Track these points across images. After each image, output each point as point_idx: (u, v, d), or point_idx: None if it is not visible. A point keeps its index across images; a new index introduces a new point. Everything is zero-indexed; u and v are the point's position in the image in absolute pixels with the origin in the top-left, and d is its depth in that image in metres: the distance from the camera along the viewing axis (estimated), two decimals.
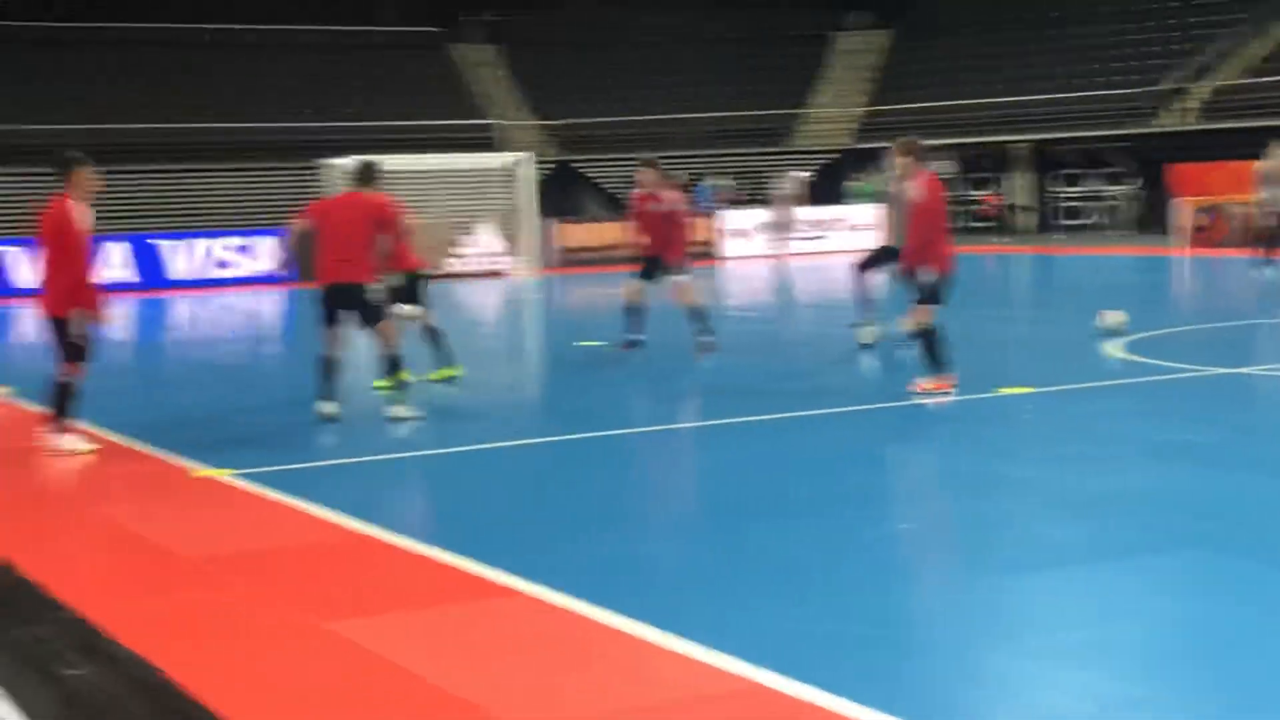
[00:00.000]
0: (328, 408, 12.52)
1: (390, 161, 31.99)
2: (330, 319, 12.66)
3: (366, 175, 12.98)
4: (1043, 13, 47.39)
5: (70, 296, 11.15)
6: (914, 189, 13.00)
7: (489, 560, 7.53)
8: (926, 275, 12.80)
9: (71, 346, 11.23)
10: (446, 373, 14.75)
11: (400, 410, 12.49)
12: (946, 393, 12.58)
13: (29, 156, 35.68)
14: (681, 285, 16.73)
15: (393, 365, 12.64)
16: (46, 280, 11.29)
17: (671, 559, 8.03)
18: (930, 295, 12.83)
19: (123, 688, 5.67)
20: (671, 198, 16.89)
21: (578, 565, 7.62)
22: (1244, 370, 14.03)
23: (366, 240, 12.62)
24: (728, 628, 6.31)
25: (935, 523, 8.81)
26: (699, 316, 16.60)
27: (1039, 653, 6.01)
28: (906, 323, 13.11)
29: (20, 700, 5.57)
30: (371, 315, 12.72)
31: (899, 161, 13.42)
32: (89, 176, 11.28)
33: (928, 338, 12.82)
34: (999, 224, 41.82)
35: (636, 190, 17.19)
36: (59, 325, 11.20)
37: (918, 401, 12.57)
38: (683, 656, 5.96)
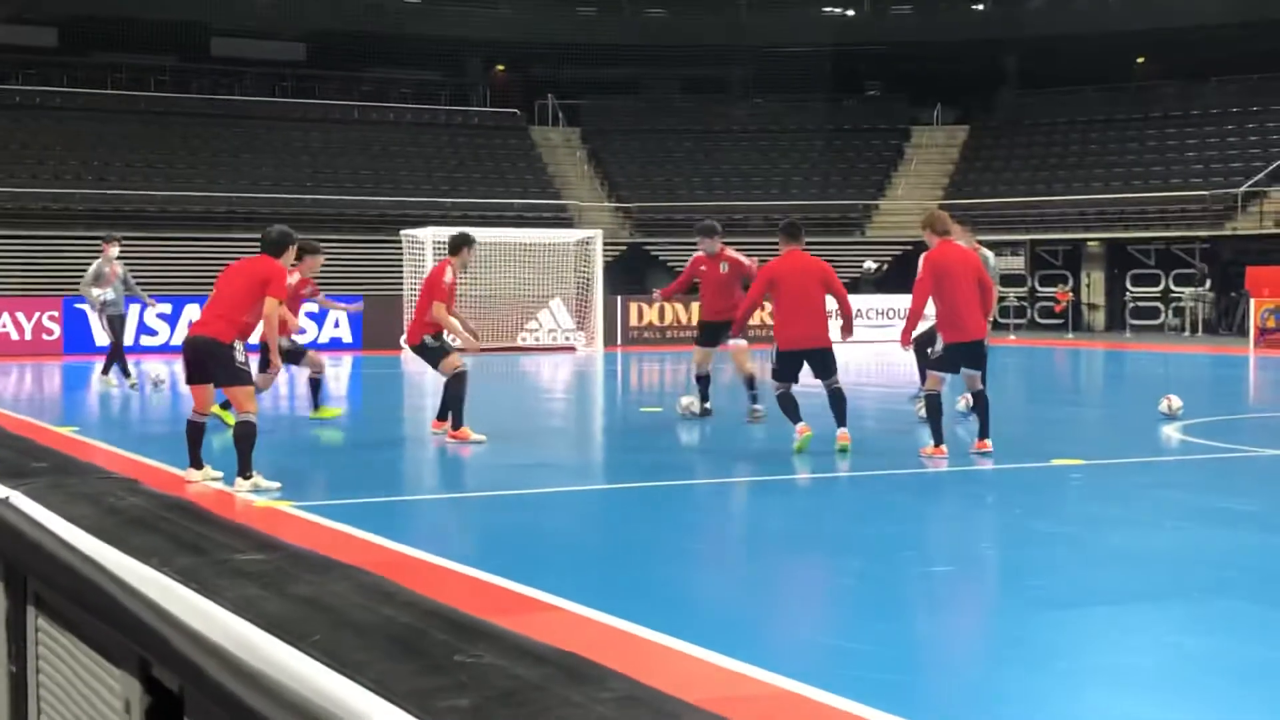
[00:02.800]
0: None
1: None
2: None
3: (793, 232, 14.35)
4: (1124, 115, 47.84)
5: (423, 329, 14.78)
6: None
7: (538, 583, 7.83)
8: (938, 344, 13.32)
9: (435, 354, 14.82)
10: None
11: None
12: (941, 457, 13.00)
13: (157, 221, 36.91)
14: (738, 348, 16.93)
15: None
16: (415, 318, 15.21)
17: (714, 586, 8.31)
18: (936, 363, 13.29)
19: None
20: (734, 260, 17.12)
21: (622, 588, 7.93)
22: None
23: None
24: (764, 644, 6.59)
25: (971, 566, 9.03)
26: (751, 383, 16.85)
27: (1059, 674, 6.25)
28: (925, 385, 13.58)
29: None
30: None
31: (924, 234, 13.87)
32: (469, 252, 15.33)
33: (930, 405, 13.27)
34: (1069, 320, 41.90)
35: (698, 254, 17.45)
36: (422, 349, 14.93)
37: (976, 466, 12.85)
38: (712, 664, 6.23)
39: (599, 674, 1.45)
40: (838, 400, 13.84)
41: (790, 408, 13.71)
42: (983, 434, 13.45)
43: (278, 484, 11.39)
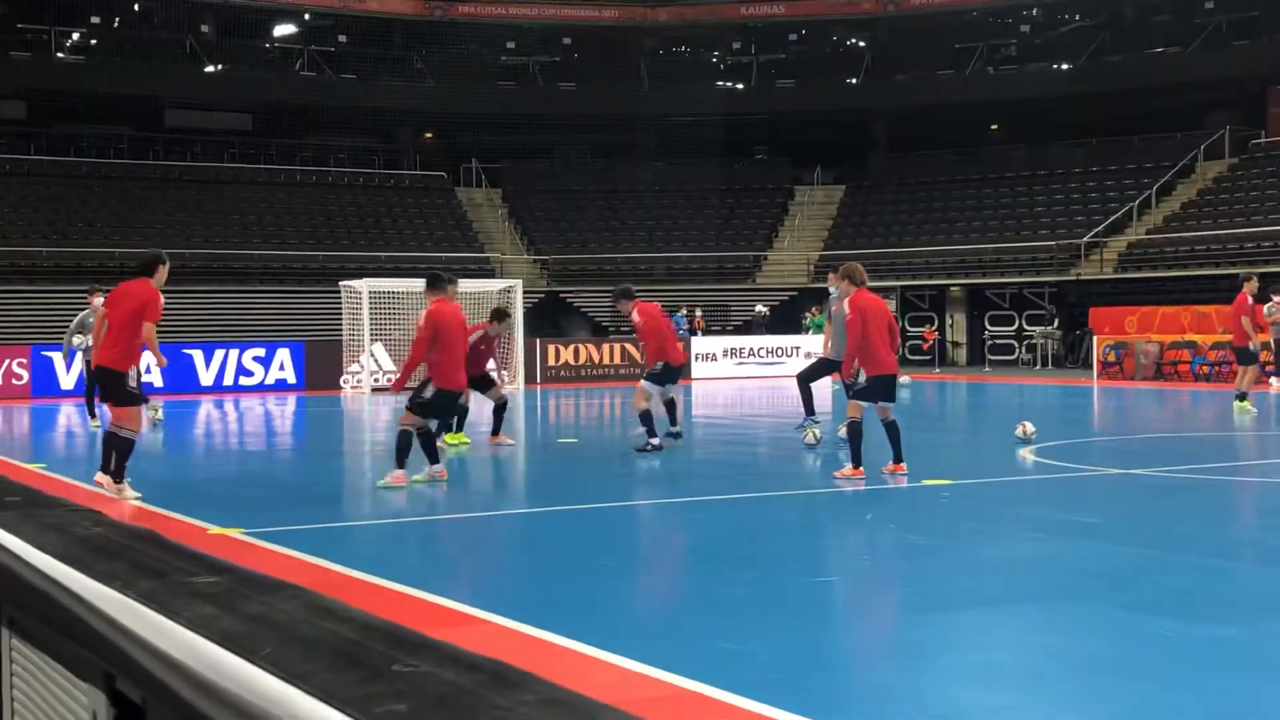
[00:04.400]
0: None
1: (400, 285, 33.01)
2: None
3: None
4: (980, 175, 48.70)
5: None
6: (846, 306, 13.51)
7: (469, 599, 7.79)
8: (861, 377, 13.33)
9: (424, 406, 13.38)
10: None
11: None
12: (859, 479, 13.04)
13: (108, 275, 36.36)
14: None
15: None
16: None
17: (625, 599, 8.28)
18: (860, 393, 13.33)
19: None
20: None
21: (544, 602, 7.88)
22: (1130, 471, 14.38)
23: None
24: (671, 650, 6.57)
25: (854, 576, 9.08)
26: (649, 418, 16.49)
27: (933, 670, 6.29)
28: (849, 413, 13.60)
29: None
30: None
31: (840, 284, 13.98)
32: (454, 291, 14.05)
33: (853, 431, 13.32)
34: (936, 356, 42.39)
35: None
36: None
37: (852, 488, 12.91)
38: (622, 669, 6.21)
39: (523, 679, 1.45)
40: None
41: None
42: (897, 458, 13.54)
43: (139, 494, 11.98)
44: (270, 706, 1.52)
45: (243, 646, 1.70)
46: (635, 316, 16.92)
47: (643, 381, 16.71)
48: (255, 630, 1.79)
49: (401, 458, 13.02)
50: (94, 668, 2.21)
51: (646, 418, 16.33)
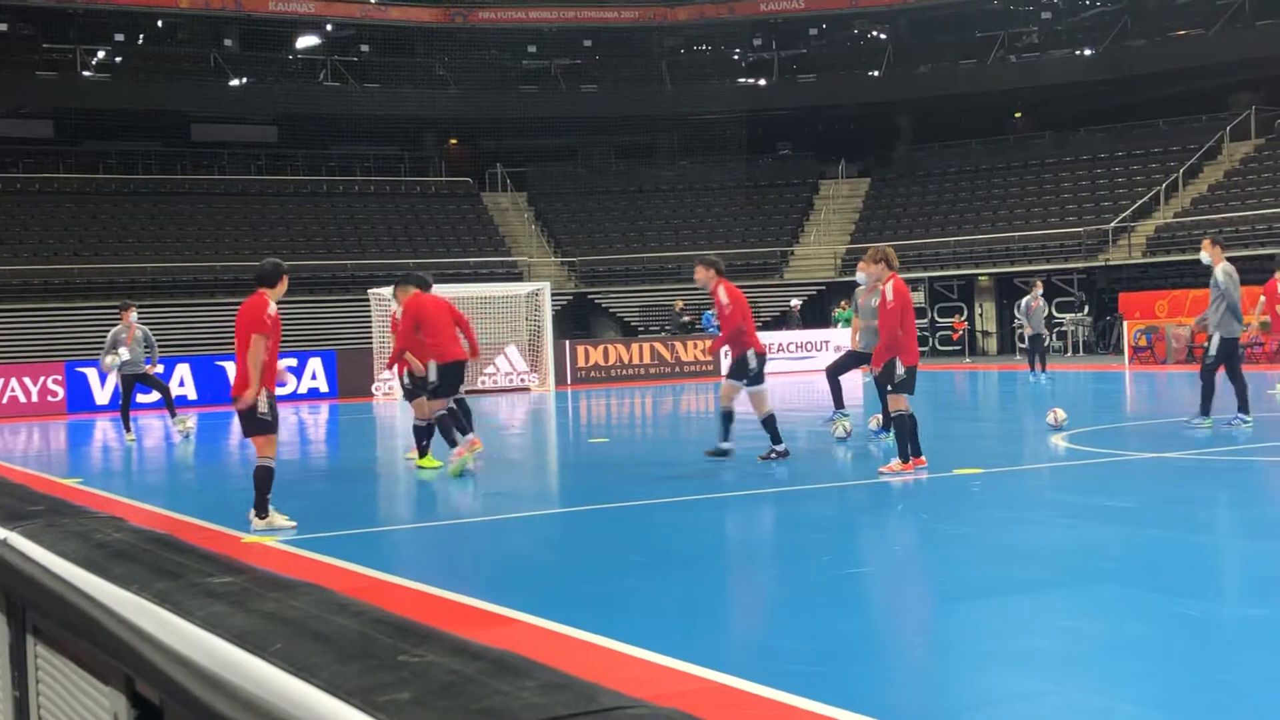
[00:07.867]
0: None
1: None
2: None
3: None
4: (1005, 164, 48.51)
5: None
6: (886, 291, 13.27)
7: (501, 600, 7.79)
8: (898, 368, 13.13)
9: None
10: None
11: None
12: (909, 472, 12.94)
13: (168, 290, 36.60)
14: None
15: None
16: None
17: (657, 595, 8.28)
18: (903, 385, 13.16)
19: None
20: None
21: (576, 600, 7.89)
22: (1163, 455, 14.30)
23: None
24: (703, 644, 6.56)
25: (888, 567, 9.05)
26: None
27: (967, 658, 6.27)
28: (892, 407, 13.37)
29: None
30: None
31: (870, 270, 13.78)
32: None
33: (901, 423, 13.16)
34: (966, 346, 42.21)
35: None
36: None
37: (884, 479, 12.87)
38: (656, 665, 6.21)
39: (527, 666, 1.45)
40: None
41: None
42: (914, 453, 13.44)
43: (294, 523, 11.03)
44: (278, 700, 1.52)
45: (253, 643, 1.71)
46: (722, 295, 14.70)
47: (733, 382, 15.07)
48: (267, 627, 1.80)
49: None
50: (114, 671, 2.22)
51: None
